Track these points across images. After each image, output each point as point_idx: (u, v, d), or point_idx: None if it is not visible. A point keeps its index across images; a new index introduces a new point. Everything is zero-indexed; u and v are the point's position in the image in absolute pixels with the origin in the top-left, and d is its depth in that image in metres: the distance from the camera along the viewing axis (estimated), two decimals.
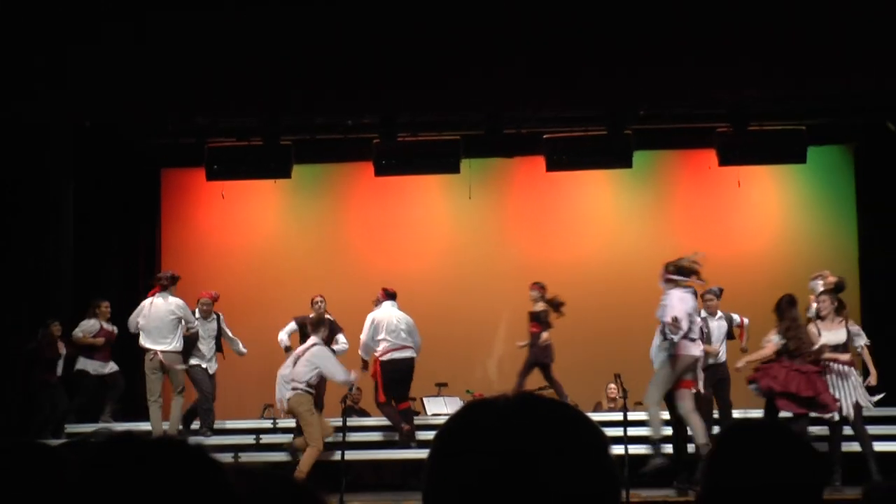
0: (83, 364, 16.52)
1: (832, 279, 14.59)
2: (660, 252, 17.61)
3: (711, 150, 16.86)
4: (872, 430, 14.33)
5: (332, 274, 17.13)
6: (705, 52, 14.03)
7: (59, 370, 16.40)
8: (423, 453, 14.45)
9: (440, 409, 16.20)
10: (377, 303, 15.86)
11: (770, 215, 18.96)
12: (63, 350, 16.34)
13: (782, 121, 16.84)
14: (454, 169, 17.22)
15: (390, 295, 15.85)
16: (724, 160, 16.86)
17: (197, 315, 15.80)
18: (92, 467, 1.73)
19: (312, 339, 15.16)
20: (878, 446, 14.10)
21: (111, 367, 16.53)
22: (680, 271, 13.85)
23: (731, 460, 2.78)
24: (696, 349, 13.70)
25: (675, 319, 13.05)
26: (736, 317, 15.33)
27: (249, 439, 15.77)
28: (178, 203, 19.60)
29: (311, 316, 15.47)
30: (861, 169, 18.67)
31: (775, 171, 18.07)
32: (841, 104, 16.89)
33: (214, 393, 15.90)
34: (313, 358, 14.72)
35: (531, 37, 14.03)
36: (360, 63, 14.26)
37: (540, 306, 15.99)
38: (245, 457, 15.01)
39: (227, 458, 14.17)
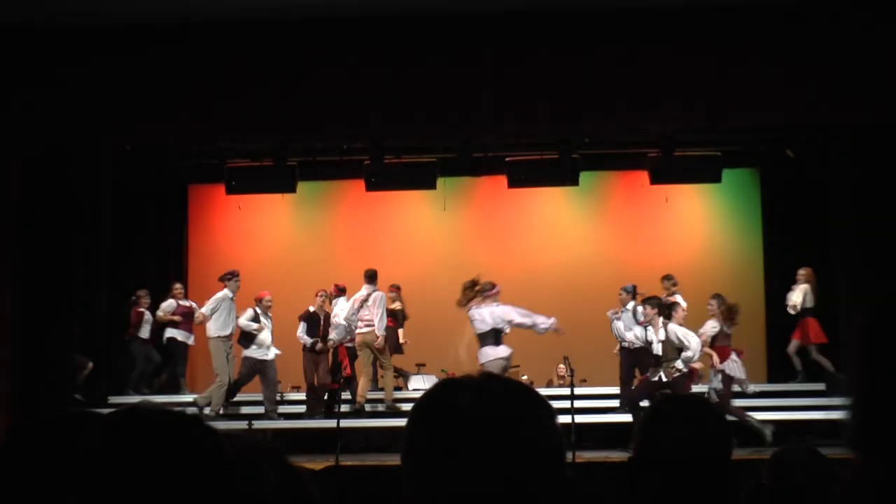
0: (171, 333, 16.94)
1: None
2: (601, 255, 17.74)
3: (644, 172, 16.90)
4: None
5: (330, 273, 17.09)
6: (639, 92, 14.00)
7: (147, 333, 16.79)
8: (404, 422, 14.56)
9: (420, 385, 16.27)
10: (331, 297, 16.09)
11: (692, 225, 19.01)
12: (148, 315, 16.80)
13: (702, 148, 16.90)
14: (431, 185, 17.26)
15: (341, 290, 16.15)
16: (655, 180, 16.90)
17: (259, 311, 15.89)
18: (99, 435, 1.69)
19: (369, 289, 15.41)
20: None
21: (193, 339, 16.77)
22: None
23: (659, 425, 2.84)
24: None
25: None
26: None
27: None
28: (202, 214, 19.60)
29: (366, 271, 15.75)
30: (765, 188, 18.74)
31: (696, 189, 18.10)
32: (749, 135, 17.00)
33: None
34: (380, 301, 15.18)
35: (496, 78, 14.01)
36: (353, 98, 14.20)
37: (396, 305, 16.39)
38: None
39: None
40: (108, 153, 16.60)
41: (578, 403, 14.12)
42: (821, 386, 15.96)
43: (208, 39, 14.07)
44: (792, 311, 16.06)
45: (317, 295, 16.16)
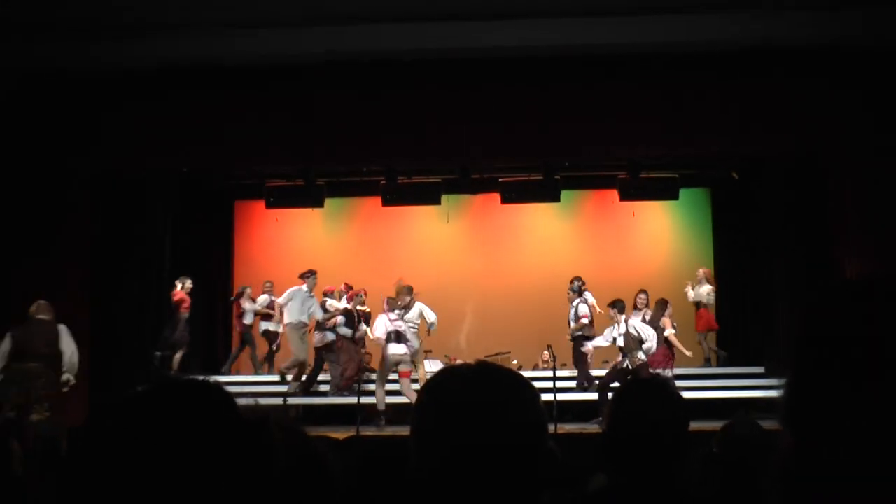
0: (265, 325, 17.31)
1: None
2: (579, 259, 17.72)
3: (614, 190, 16.85)
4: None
5: (353, 275, 17.10)
6: (610, 125, 14.08)
7: (250, 319, 17.18)
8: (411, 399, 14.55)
9: (428, 368, 16.24)
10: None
11: (654, 235, 19.01)
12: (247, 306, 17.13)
13: (663, 170, 16.89)
14: (437, 202, 17.28)
15: (349, 288, 16.14)
16: (623, 197, 16.85)
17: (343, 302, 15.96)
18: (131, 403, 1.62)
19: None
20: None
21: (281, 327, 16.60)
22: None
23: (626, 404, 2.86)
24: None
25: None
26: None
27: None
28: (245, 225, 19.60)
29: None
30: (715, 204, 18.77)
31: (658, 205, 18.11)
32: (702, 160, 17.00)
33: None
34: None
35: (491, 112, 14.05)
36: (370, 128, 14.26)
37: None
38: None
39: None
40: (169, 175, 16.61)
41: (560, 384, 14.19)
42: (760, 369, 15.98)
43: (251, 82, 14.16)
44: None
45: (348, 294, 16.13)
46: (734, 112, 13.77)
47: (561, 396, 13.95)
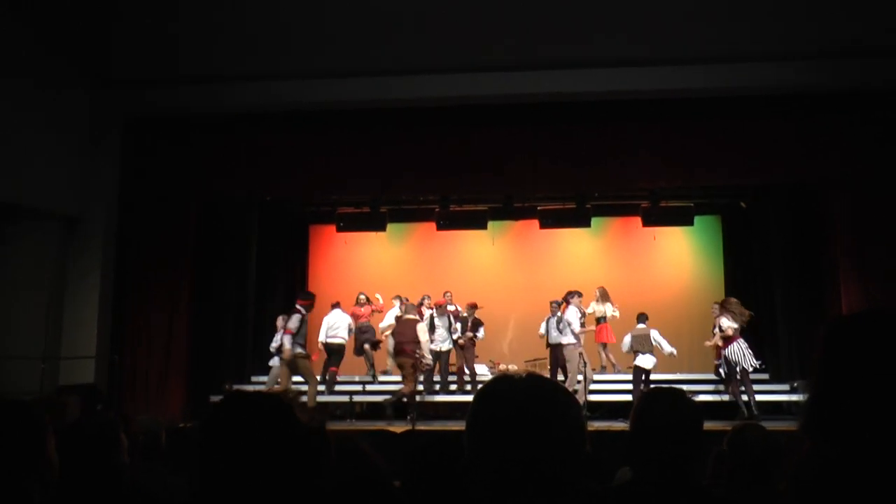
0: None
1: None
2: (607, 277, 17.62)
3: (637, 217, 16.90)
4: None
5: (412, 288, 17.14)
6: (634, 160, 14.07)
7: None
8: (466, 398, 14.54)
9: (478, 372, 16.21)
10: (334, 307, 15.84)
11: (672, 257, 18.88)
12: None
13: (680, 200, 16.85)
14: (484, 227, 17.41)
15: (335, 305, 15.86)
16: (646, 223, 16.89)
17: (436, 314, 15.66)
18: (212, 412, 1.67)
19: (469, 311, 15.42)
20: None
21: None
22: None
23: (648, 408, 2.86)
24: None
25: None
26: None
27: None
28: (319, 247, 19.70)
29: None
30: (726, 230, 18.63)
31: (676, 230, 18.02)
32: (713, 191, 16.94)
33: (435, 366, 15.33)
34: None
35: (531, 149, 14.10)
36: (428, 164, 14.35)
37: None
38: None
39: None
40: (255, 203, 16.78)
41: (591, 386, 14.18)
42: (765, 376, 15.83)
43: (326, 124, 14.36)
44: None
45: (423, 300, 16.02)
46: (741, 149, 13.77)
47: (591, 397, 13.94)
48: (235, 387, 15.20)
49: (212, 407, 1.66)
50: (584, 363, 14.56)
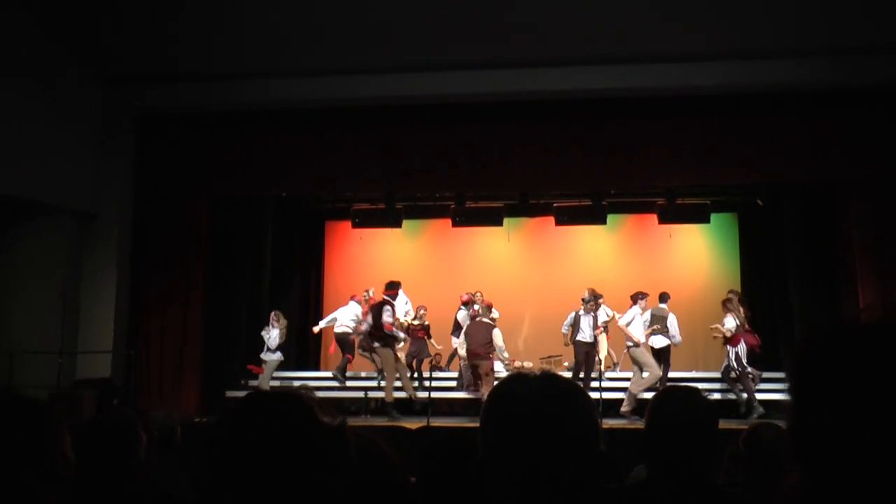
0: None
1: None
2: (622, 275, 17.61)
3: (654, 214, 16.82)
4: None
5: (428, 284, 17.18)
6: (651, 157, 14.07)
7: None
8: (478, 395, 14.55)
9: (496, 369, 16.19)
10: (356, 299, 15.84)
11: (688, 254, 18.81)
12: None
13: (696, 197, 16.79)
14: (499, 223, 17.32)
15: (352, 298, 15.90)
16: (662, 220, 16.79)
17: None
18: (233, 411, 1.64)
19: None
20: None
21: None
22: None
23: (663, 407, 2.86)
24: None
25: None
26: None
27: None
28: (334, 242, 19.70)
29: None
30: (742, 227, 18.58)
31: (692, 227, 17.95)
32: (730, 188, 16.89)
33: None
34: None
35: (547, 146, 14.11)
36: (443, 161, 14.38)
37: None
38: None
39: None
40: (271, 198, 16.81)
41: (605, 383, 14.17)
42: (781, 374, 15.78)
43: (343, 121, 14.40)
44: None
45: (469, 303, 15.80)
46: (757, 146, 13.76)
47: (606, 395, 13.92)
48: (250, 382, 15.30)
49: (231, 406, 1.64)
50: (600, 361, 14.60)
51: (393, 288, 15.24)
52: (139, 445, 3.35)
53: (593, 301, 14.99)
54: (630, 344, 14.30)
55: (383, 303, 14.79)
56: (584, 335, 14.75)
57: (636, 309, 14.47)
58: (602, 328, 15.06)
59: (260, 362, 15.14)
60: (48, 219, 13.74)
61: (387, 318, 14.51)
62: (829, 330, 1.41)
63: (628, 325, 14.30)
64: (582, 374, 14.53)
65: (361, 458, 1.66)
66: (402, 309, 15.77)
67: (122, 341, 14.00)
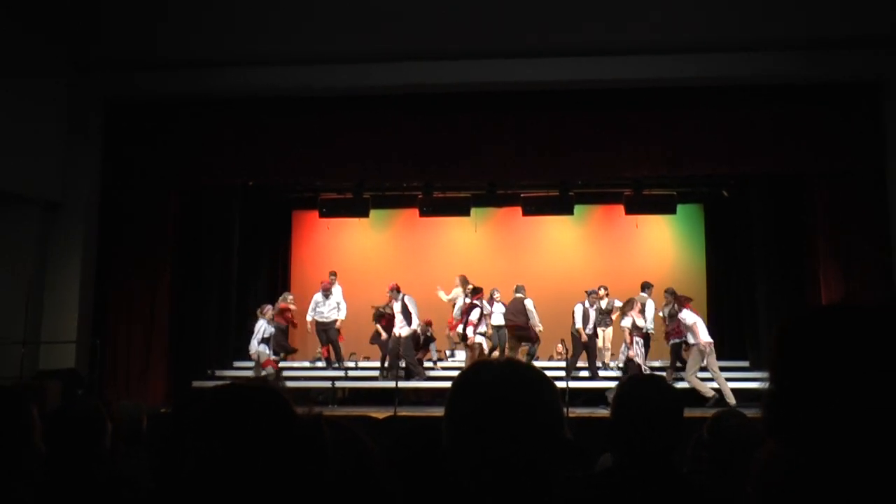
0: None
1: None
2: (588, 265, 17.69)
3: (621, 205, 16.92)
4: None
5: (394, 274, 17.14)
6: (618, 148, 14.12)
7: None
8: (446, 384, 14.57)
9: (461, 355, 16.26)
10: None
11: (655, 244, 18.95)
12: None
13: (663, 189, 16.90)
14: (466, 213, 17.40)
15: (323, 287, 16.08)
16: (629, 211, 16.90)
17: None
18: (208, 405, 1.63)
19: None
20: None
21: None
22: None
23: (628, 396, 2.88)
24: None
25: None
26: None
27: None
28: (302, 232, 19.69)
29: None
30: (708, 218, 18.72)
31: (658, 218, 18.06)
32: (696, 180, 16.97)
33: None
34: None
35: (515, 137, 14.12)
36: (411, 151, 14.36)
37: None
38: None
39: None
40: (237, 188, 16.72)
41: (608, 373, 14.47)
42: (745, 363, 15.96)
43: (309, 110, 14.29)
44: None
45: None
46: (723, 139, 13.85)
47: (573, 384, 13.99)
48: (217, 373, 15.25)
49: (204, 400, 1.63)
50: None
51: (477, 293, 15.60)
52: (105, 435, 3.33)
53: (595, 295, 15.42)
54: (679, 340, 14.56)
55: (472, 306, 15.35)
56: (589, 328, 15.21)
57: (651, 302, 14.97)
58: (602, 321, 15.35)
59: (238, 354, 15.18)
60: (13, 207, 13.58)
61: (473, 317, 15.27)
62: (813, 310, 1.46)
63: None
64: (582, 364, 15.15)
65: (339, 449, 1.66)
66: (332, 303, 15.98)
67: (87, 331, 13.87)
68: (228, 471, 1.51)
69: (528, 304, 15.21)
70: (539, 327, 15.24)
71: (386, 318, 15.75)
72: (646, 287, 15.11)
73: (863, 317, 1.39)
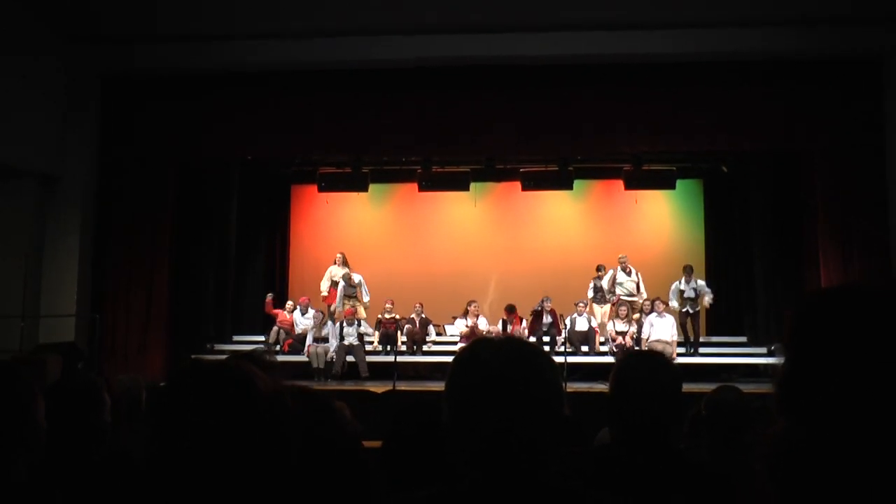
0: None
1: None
2: (588, 239, 17.69)
3: (620, 180, 16.89)
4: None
5: (393, 248, 17.14)
6: (618, 125, 14.10)
7: None
8: (445, 358, 14.61)
9: (454, 331, 16.28)
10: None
11: (654, 220, 18.93)
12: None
13: (662, 164, 16.88)
14: (466, 188, 17.35)
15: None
16: (628, 186, 16.87)
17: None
18: (167, 385, 1.64)
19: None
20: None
21: None
22: None
23: (628, 371, 2.87)
24: None
25: None
26: None
27: None
28: (300, 207, 19.65)
29: None
30: (707, 194, 18.70)
31: (658, 193, 18.03)
32: (696, 155, 16.95)
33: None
34: None
35: (515, 112, 14.10)
36: (410, 125, 14.33)
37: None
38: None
39: None
40: (236, 162, 16.71)
41: (570, 347, 14.29)
42: (743, 338, 16.00)
43: (309, 85, 14.25)
44: None
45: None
46: (722, 115, 13.83)
47: (571, 359, 14.03)
48: (216, 346, 15.27)
49: (168, 377, 1.63)
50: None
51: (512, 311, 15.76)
52: (104, 409, 3.33)
53: (604, 270, 16.00)
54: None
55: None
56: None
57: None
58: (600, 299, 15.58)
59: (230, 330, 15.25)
60: (10, 181, 13.56)
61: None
62: (831, 290, 1.47)
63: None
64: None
65: (312, 420, 1.65)
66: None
67: (86, 305, 13.89)
68: (187, 450, 1.52)
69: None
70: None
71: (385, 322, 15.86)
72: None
73: (882, 298, 1.40)
